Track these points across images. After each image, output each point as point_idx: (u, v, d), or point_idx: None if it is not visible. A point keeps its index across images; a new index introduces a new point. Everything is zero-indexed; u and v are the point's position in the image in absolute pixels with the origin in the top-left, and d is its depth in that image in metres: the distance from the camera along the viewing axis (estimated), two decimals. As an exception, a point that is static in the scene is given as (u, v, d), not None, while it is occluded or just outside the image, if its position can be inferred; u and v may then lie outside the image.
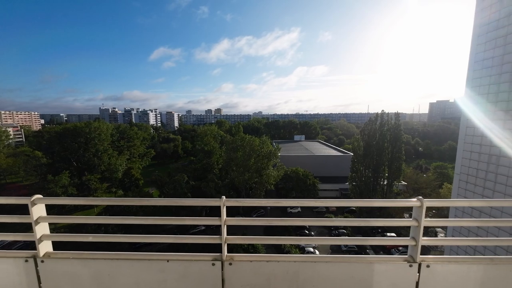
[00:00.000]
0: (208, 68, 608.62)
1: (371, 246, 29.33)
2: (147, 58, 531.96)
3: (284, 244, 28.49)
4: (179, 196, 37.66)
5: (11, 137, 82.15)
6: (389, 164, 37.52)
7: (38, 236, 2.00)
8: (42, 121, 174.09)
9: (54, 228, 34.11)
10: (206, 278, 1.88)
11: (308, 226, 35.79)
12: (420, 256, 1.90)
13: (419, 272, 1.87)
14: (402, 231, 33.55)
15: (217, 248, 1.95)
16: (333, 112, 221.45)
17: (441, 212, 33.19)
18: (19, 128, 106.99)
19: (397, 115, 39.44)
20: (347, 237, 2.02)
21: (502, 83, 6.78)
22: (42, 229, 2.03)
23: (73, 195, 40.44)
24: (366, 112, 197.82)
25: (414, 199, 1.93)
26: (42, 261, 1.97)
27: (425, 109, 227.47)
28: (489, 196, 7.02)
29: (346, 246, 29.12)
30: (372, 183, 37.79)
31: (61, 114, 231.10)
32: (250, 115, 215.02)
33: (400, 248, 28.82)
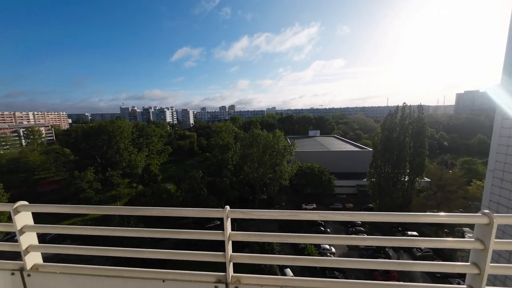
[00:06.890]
0: (226, 66, 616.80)
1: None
2: (169, 58, 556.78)
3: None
4: (195, 192, 38.50)
5: (43, 136, 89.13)
6: (410, 160, 35.46)
7: (24, 247, 1.82)
8: (70, 121, 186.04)
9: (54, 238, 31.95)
10: None
11: (323, 222, 35.09)
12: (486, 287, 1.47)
13: None
14: (424, 229, 31.79)
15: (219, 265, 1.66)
16: (349, 106, 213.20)
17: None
18: (50, 127, 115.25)
19: (420, 107, 37.05)
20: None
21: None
22: (28, 239, 1.87)
23: (98, 190, 42.88)
24: (385, 105, 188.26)
25: (479, 214, 1.46)
26: (29, 275, 1.81)
27: (450, 101, 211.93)
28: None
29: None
30: (392, 179, 35.98)
31: (86, 114, 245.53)
32: (264, 111, 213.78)
33: (423, 248, 27.41)
